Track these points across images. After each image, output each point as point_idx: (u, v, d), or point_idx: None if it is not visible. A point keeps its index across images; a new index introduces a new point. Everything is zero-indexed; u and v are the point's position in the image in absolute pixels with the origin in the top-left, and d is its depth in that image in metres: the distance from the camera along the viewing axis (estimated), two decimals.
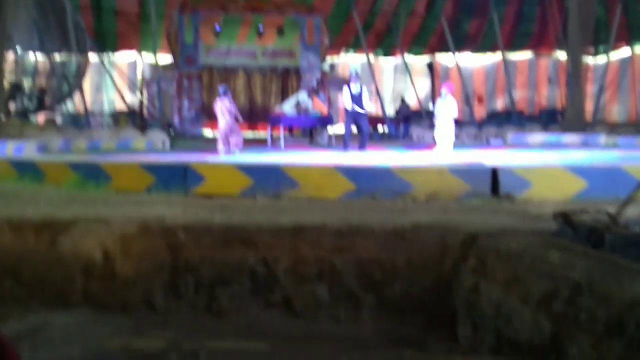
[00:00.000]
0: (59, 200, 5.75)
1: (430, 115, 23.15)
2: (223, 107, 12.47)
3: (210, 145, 16.30)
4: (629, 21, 25.97)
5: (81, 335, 4.26)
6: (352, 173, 6.76)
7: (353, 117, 13.01)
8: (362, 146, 12.91)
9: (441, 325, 4.32)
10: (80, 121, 20.49)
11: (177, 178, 6.84)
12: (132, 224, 4.77)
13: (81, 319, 4.48)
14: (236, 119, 12.64)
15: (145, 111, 23.44)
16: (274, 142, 15.26)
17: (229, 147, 12.43)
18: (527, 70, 29.16)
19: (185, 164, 7.07)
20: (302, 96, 16.37)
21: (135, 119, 21.41)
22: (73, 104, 22.95)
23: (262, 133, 19.99)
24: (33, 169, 7.53)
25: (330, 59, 26.00)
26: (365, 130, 13.10)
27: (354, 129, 13.28)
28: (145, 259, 4.68)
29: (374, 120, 23.52)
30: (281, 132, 15.14)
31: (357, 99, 12.80)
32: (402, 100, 24.21)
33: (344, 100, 13.04)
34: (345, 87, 13.13)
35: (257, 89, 24.70)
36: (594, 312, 2.78)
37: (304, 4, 24.12)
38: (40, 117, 22.26)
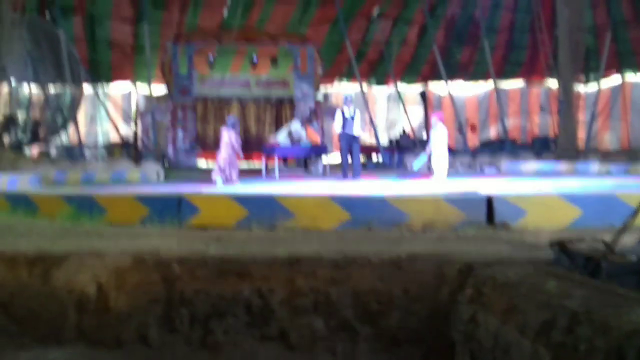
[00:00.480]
0: (52, 233, 5.72)
1: (423, 144, 23.29)
2: (228, 139, 12.48)
3: (205, 176, 16.30)
4: (618, 49, 26.36)
5: None
6: (347, 203, 6.77)
7: (347, 142, 12.99)
8: (355, 174, 12.89)
9: (439, 356, 4.29)
10: (74, 153, 20.49)
11: (172, 209, 6.81)
12: (126, 257, 4.75)
13: (75, 355, 4.43)
14: (237, 154, 12.62)
15: (139, 142, 23.47)
16: (269, 172, 15.27)
17: (225, 177, 12.42)
18: (519, 98, 29.44)
19: (179, 195, 7.05)
20: (295, 126, 16.44)
21: (129, 150, 21.41)
22: (67, 136, 22.97)
23: (257, 163, 20.01)
24: (26, 201, 7.51)
25: (324, 89, 26.20)
26: (356, 155, 13.15)
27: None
28: (140, 292, 4.65)
29: (368, 149, 23.64)
30: (275, 163, 15.17)
31: (349, 123, 12.87)
32: (403, 131, 24.47)
33: (336, 123, 13.12)
34: (338, 111, 13.24)
35: (252, 119, 24.84)
36: (592, 342, 2.77)
37: (297, 35, 24.41)
38: (34, 150, 22.25)
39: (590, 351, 2.76)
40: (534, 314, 3.25)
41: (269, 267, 4.66)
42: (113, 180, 13.32)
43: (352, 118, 12.87)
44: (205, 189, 10.31)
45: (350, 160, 13.28)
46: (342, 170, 13.03)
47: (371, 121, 23.21)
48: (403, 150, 22.17)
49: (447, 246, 5.08)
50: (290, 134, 15.83)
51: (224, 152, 12.53)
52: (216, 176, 12.44)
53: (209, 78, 23.46)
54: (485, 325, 3.74)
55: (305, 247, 5.06)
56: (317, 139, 16.83)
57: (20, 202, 7.43)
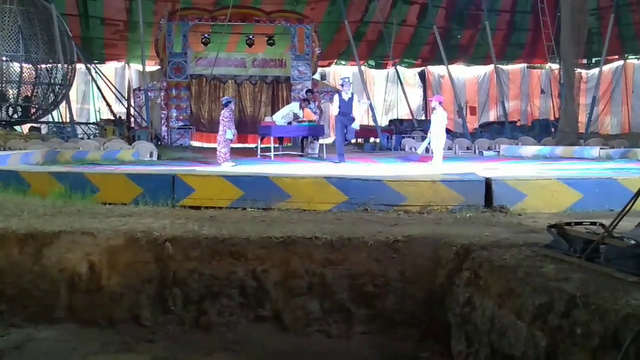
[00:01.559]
0: (44, 211, 5.71)
1: (422, 126, 23.24)
2: (221, 117, 12.55)
3: (199, 155, 16.27)
4: (621, 32, 26.29)
5: (66, 351, 4.22)
6: (343, 184, 6.75)
7: (344, 125, 13.01)
8: (339, 157, 12.98)
9: (435, 339, 4.32)
10: (66, 131, 20.40)
11: (165, 189, 6.78)
12: (119, 237, 4.74)
13: (66, 334, 4.44)
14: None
15: (132, 121, 23.39)
16: (264, 152, 15.25)
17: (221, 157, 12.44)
18: (520, 81, 29.42)
19: (173, 175, 7.02)
20: (294, 106, 16.40)
21: (122, 129, 21.33)
22: (59, 114, 22.87)
23: (252, 144, 19.96)
24: (17, 179, 7.47)
25: (321, 69, 26.11)
26: (349, 138, 13.36)
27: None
28: (132, 272, 4.65)
29: (366, 132, 23.62)
30: (271, 143, 15.13)
31: (347, 106, 12.88)
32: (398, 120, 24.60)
33: (334, 106, 13.12)
34: (336, 95, 13.22)
35: (247, 99, 24.76)
36: (589, 325, 2.79)
37: (295, 13, 24.25)
38: (25, 127, 22.15)
39: (586, 335, 2.78)
40: (530, 297, 3.26)
41: (264, 247, 4.66)
42: (105, 159, 13.28)
43: (351, 101, 12.89)
44: (199, 168, 10.29)
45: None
46: (337, 152, 13.11)
47: (369, 103, 23.16)
48: (401, 132, 22.15)
49: (445, 229, 5.08)
50: (288, 115, 15.80)
51: (220, 132, 12.56)
52: (222, 160, 12.44)
53: (203, 57, 23.33)
54: (481, 309, 3.75)
55: (300, 228, 5.05)
56: (315, 119, 16.80)
57: (11, 180, 7.39)
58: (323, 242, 4.66)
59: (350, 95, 12.96)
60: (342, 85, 13.42)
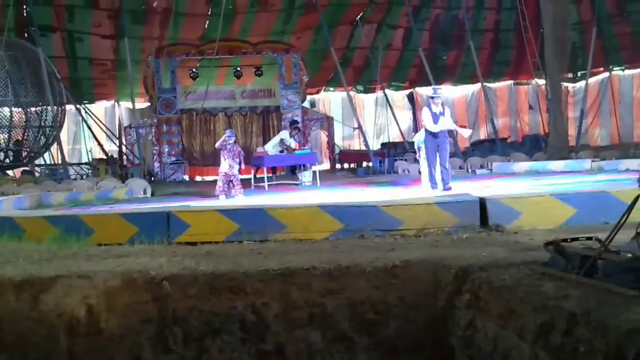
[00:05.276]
0: (39, 256, 5.67)
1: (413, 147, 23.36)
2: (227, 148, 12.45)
3: (193, 190, 16.25)
4: (604, 45, 26.62)
5: None
6: (338, 212, 6.76)
7: (436, 143, 10.80)
8: (445, 182, 10.72)
9: None
10: (58, 173, 20.37)
11: (160, 226, 6.78)
12: (116, 278, 4.71)
13: None
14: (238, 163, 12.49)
15: (124, 159, 23.40)
16: (258, 183, 15.27)
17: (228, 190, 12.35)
18: (508, 97, 29.65)
19: (167, 212, 7.02)
20: (284, 134, 16.45)
21: (115, 168, 21.32)
22: (51, 156, 22.86)
23: (245, 175, 19.98)
24: (11, 225, 7.44)
25: (310, 97, 26.30)
26: (442, 162, 10.87)
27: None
28: (131, 313, 4.61)
29: (359, 156, 23.71)
30: (265, 173, 15.16)
31: (439, 121, 10.78)
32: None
33: (425, 122, 10.88)
34: (425, 108, 11.17)
35: (238, 130, 24.83)
36: (592, 342, 2.78)
37: (281, 43, 24.47)
38: (17, 171, 22.10)
39: (589, 352, 2.77)
40: (531, 317, 3.26)
41: (262, 280, 4.64)
42: (99, 198, 13.25)
43: (442, 114, 10.77)
44: (194, 203, 10.28)
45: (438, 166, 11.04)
46: (430, 178, 10.99)
47: (360, 127, 23.27)
48: (393, 155, 22.21)
49: (442, 251, 5.08)
50: (281, 143, 15.86)
51: (224, 165, 12.40)
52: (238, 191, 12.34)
53: (193, 91, 23.45)
54: (483, 330, 3.74)
55: (298, 258, 5.04)
56: (306, 147, 16.87)
57: (5, 226, 7.37)
58: (321, 271, 4.65)
59: (441, 109, 10.83)
60: (431, 97, 11.19)
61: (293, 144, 15.89)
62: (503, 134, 27.02)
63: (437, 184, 10.92)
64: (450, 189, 10.54)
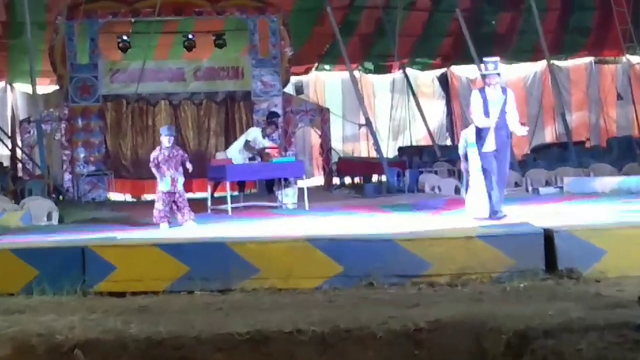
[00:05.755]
0: None
1: (447, 154, 23.41)
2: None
3: (121, 214, 16.21)
4: None
5: None
6: (335, 249, 6.78)
7: (494, 150, 10.60)
8: (492, 208, 10.64)
9: None
10: None
11: (72, 269, 6.79)
12: (4, 345, 4.71)
13: None
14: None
15: (19, 168, 23.31)
16: (217, 205, 15.26)
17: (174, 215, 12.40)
18: (586, 82, 29.71)
19: (82, 247, 7.03)
20: (254, 133, 16.44)
21: (5, 181, 21.26)
22: None
23: (199, 192, 19.96)
24: None
25: (295, 79, 26.26)
26: (504, 174, 10.88)
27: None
28: None
29: (368, 167, 23.69)
30: (227, 191, 15.16)
31: (496, 112, 10.48)
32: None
33: (474, 114, 10.74)
34: (475, 92, 11.00)
35: (189, 127, 24.76)
36: None
37: (254, 0, 24.37)
38: None
39: None
40: None
41: (222, 350, 4.66)
42: None
43: (503, 102, 10.54)
44: (121, 235, 10.27)
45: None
46: (489, 200, 10.73)
47: (368, 124, 23.25)
48: (418, 166, 22.26)
49: (489, 308, 5.11)
50: (248, 146, 15.86)
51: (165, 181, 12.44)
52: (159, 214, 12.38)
53: (122, 68, 23.46)
54: None
55: (275, 317, 5.06)
56: (289, 154, 16.93)
57: None
58: (310, 336, 4.66)
59: (501, 93, 10.63)
60: (485, 75, 10.97)
61: (267, 143, 15.91)
62: (579, 136, 27.13)
63: (501, 210, 10.61)
64: (503, 217, 10.44)
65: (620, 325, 4.15)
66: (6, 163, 23.59)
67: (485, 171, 10.77)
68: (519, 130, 10.99)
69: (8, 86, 26.82)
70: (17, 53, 24.71)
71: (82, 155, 22.96)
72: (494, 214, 10.56)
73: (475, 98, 10.64)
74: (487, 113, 10.46)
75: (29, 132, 23.25)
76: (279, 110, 22.62)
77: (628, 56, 26.81)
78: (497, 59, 11.17)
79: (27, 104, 25.84)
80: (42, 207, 15.50)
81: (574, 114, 28.60)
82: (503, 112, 10.49)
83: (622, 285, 5.73)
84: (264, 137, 16.08)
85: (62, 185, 22.51)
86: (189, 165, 12.55)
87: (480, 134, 10.65)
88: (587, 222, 8.73)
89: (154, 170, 12.49)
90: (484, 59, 11.57)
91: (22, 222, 14.19)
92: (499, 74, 10.74)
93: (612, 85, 29.05)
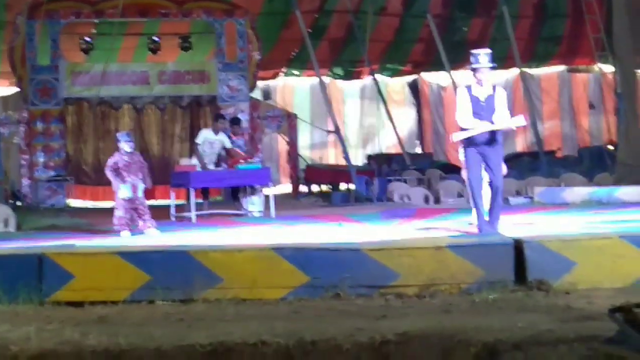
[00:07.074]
0: None
1: (417, 162, 23.48)
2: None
3: (81, 221, 16.10)
4: None
5: None
6: (301, 258, 6.77)
7: (481, 153, 9.83)
8: (492, 219, 9.83)
9: None
10: None
11: (27, 277, 6.73)
12: None
13: None
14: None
15: None
16: (181, 212, 15.22)
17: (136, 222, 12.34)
18: (558, 90, 29.96)
19: (39, 254, 6.96)
20: (203, 134, 16.37)
21: None
22: None
23: (162, 200, 19.88)
24: None
25: (263, 84, 26.25)
26: (498, 184, 9.86)
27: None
28: None
29: (335, 175, 23.72)
30: (191, 198, 15.11)
31: (484, 110, 9.70)
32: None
33: (459, 113, 9.95)
34: (461, 90, 10.22)
35: (152, 132, 24.70)
36: None
37: (221, 2, 24.36)
38: None
39: None
40: None
41: None
42: None
43: (492, 100, 9.76)
44: (80, 242, 10.20)
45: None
46: (477, 212, 10.03)
47: (337, 131, 23.30)
48: (387, 174, 22.31)
49: (458, 320, 5.12)
50: (210, 146, 15.85)
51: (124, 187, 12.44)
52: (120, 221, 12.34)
53: (84, 70, 23.33)
54: None
55: (239, 328, 5.04)
56: (253, 159, 16.91)
57: None
58: (275, 349, 4.64)
59: (491, 91, 9.87)
60: (475, 69, 9.99)
61: (227, 143, 15.87)
62: (550, 145, 27.35)
63: (490, 224, 9.79)
64: (496, 227, 9.70)
65: (590, 338, 4.17)
66: None
67: (468, 181, 10.12)
68: (514, 122, 10.31)
69: None
70: None
71: (41, 160, 22.77)
72: (479, 230, 9.80)
73: (462, 95, 9.86)
74: (476, 114, 9.65)
75: None
76: (245, 116, 22.64)
77: (600, 65, 27.04)
78: (489, 50, 10.16)
79: None
80: None
81: (546, 122, 28.82)
82: (492, 110, 9.70)
83: (592, 298, 5.76)
84: (234, 143, 16.11)
85: (20, 191, 22.34)
86: (148, 183, 12.69)
87: (470, 137, 9.77)
88: (558, 233, 8.79)
89: (110, 176, 12.46)
90: (473, 51, 10.36)
91: None
92: (489, 67, 9.84)
93: (584, 94, 29.35)
